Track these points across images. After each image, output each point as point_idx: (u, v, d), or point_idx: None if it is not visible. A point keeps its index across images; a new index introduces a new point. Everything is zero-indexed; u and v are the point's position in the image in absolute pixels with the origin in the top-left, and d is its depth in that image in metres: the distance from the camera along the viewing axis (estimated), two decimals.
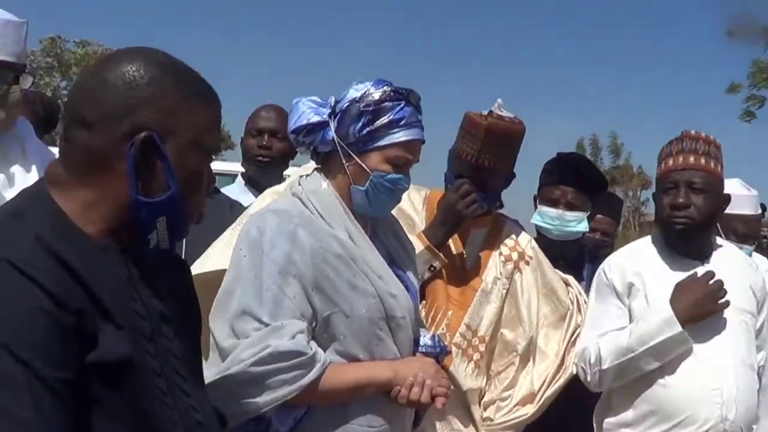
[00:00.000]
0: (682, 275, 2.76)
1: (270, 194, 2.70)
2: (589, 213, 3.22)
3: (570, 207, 3.18)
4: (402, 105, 2.15)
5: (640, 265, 2.83)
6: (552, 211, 3.19)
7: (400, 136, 2.15)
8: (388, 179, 2.17)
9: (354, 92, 2.17)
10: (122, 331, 1.31)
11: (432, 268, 2.69)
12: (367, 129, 2.14)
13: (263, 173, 3.64)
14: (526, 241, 2.95)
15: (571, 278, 3.06)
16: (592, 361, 2.75)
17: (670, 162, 2.79)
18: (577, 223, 3.19)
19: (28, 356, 1.16)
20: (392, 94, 2.16)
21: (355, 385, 2.09)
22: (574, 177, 3.18)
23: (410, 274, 2.32)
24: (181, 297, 1.58)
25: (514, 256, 2.87)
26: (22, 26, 2.63)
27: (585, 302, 2.96)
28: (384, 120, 2.13)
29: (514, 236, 2.92)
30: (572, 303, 2.94)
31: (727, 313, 2.73)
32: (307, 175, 2.27)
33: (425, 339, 2.31)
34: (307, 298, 2.06)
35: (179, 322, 1.51)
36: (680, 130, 2.84)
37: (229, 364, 2.00)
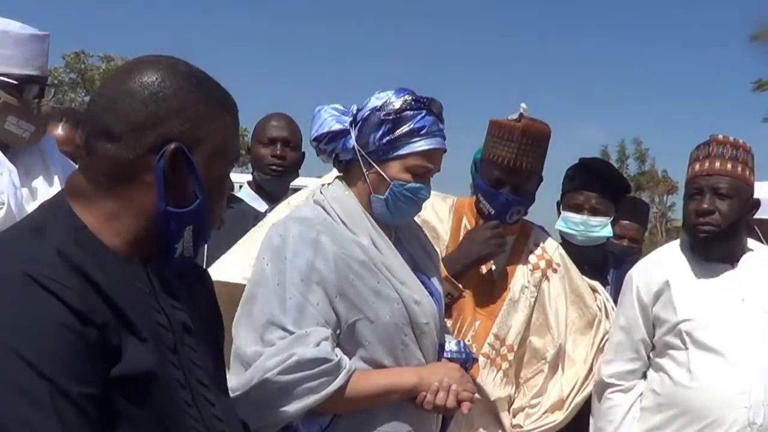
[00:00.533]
0: (710, 281, 2.76)
1: (285, 206, 2.70)
2: (612, 217, 3.20)
3: (594, 212, 3.16)
4: (423, 114, 2.15)
5: (667, 272, 2.81)
6: (576, 217, 3.17)
7: (420, 145, 2.14)
8: (408, 188, 2.16)
9: (375, 101, 2.17)
10: (146, 344, 1.30)
11: (449, 296, 2.66)
12: (387, 138, 2.14)
13: (275, 182, 3.61)
14: (553, 247, 2.93)
15: (598, 284, 3.04)
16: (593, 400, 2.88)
17: (697, 167, 2.77)
18: (601, 227, 3.17)
19: (52, 372, 1.16)
20: (413, 103, 2.15)
21: (381, 392, 2.09)
22: (597, 182, 3.16)
23: (434, 280, 2.31)
24: (203, 306, 1.58)
25: (542, 264, 2.86)
26: (45, 39, 2.66)
27: (612, 308, 2.95)
28: (404, 129, 2.13)
29: (541, 243, 2.91)
30: (600, 309, 2.92)
31: (757, 316, 2.71)
32: (328, 184, 2.27)
33: (451, 345, 2.30)
34: (331, 305, 2.06)
35: (202, 332, 1.50)
36: (704, 134, 2.81)
37: (253, 374, 2.00)
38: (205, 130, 1.39)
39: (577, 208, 3.17)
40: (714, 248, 2.77)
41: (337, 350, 2.05)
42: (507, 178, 2.69)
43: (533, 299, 2.80)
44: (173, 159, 1.35)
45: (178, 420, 1.35)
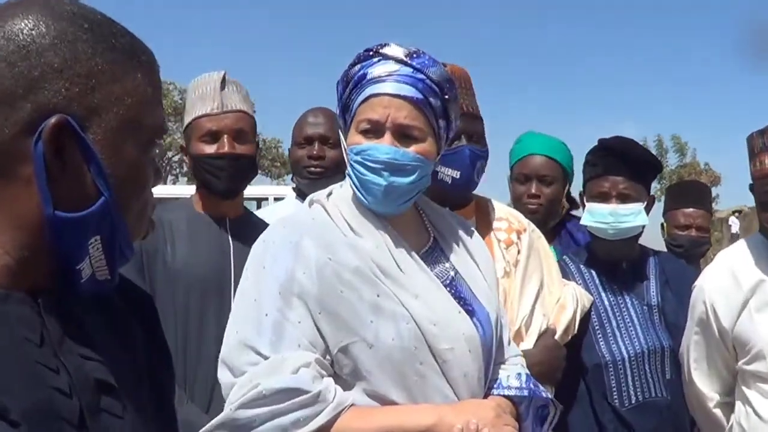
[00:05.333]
0: None
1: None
2: (646, 203, 2.79)
3: (623, 199, 2.73)
4: (374, 61, 1.78)
5: (744, 288, 2.41)
6: (603, 207, 2.74)
7: (362, 95, 1.76)
8: (355, 151, 1.77)
9: None
10: (19, 429, 0.90)
11: None
12: (342, 103, 1.82)
13: (316, 186, 3.12)
14: (516, 214, 2.59)
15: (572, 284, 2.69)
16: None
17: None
18: (634, 216, 2.73)
19: None
20: (362, 53, 1.81)
21: None
22: (623, 164, 2.74)
23: (480, 297, 1.86)
24: (140, 346, 1.17)
25: (513, 237, 2.48)
26: None
27: (577, 306, 2.57)
28: (350, 85, 1.79)
29: (502, 215, 2.53)
30: (568, 297, 2.56)
31: None
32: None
33: (509, 379, 1.86)
34: (315, 324, 1.67)
35: (136, 384, 1.11)
36: (746, 129, 2.43)
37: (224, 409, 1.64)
38: (105, 93, 1.00)
39: (603, 197, 2.74)
40: None
41: (326, 380, 1.65)
42: (462, 127, 2.19)
43: (521, 276, 2.41)
44: (57, 139, 0.96)
45: None
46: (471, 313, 1.80)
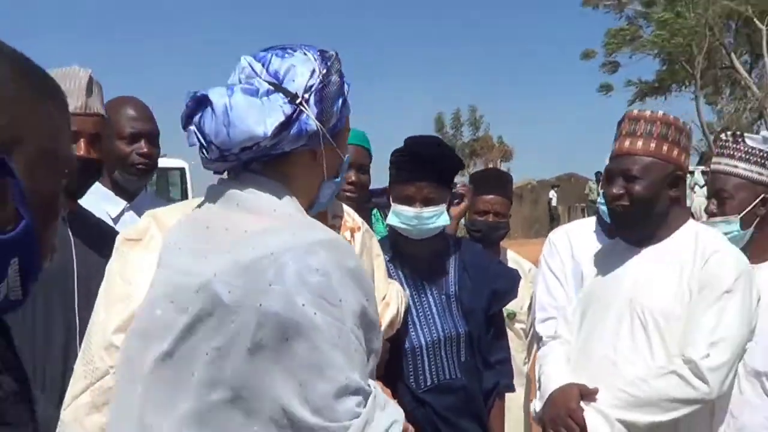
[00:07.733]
0: (615, 259, 2.80)
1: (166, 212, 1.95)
2: (447, 201, 2.94)
3: (427, 203, 2.88)
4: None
5: (580, 246, 2.97)
6: (409, 211, 2.87)
7: (349, 107, 1.81)
8: (347, 161, 1.87)
9: (314, 62, 1.72)
10: None
11: None
12: (345, 103, 1.79)
13: (140, 183, 3.19)
14: (351, 212, 2.59)
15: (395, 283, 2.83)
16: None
17: (616, 146, 2.72)
18: (436, 217, 2.89)
19: None
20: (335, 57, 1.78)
21: None
22: (429, 170, 2.88)
23: None
24: None
25: (347, 235, 2.47)
26: None
27: (401, 303, 2.71)
28: (346, 88, 1.79)
29: (338, 213, 2.50)
30: (393, 294, 2.67)
31: (645, 318, 2.63)
32: (222, 189, 1.76)
33: None
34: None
35: None
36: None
37: None
38: (27, 123, 1.04)
39: (409, 201, 2.87)
40: (623, 230, 2.78)
41: None
42: None
43: None
44: None
45: None
46: None
